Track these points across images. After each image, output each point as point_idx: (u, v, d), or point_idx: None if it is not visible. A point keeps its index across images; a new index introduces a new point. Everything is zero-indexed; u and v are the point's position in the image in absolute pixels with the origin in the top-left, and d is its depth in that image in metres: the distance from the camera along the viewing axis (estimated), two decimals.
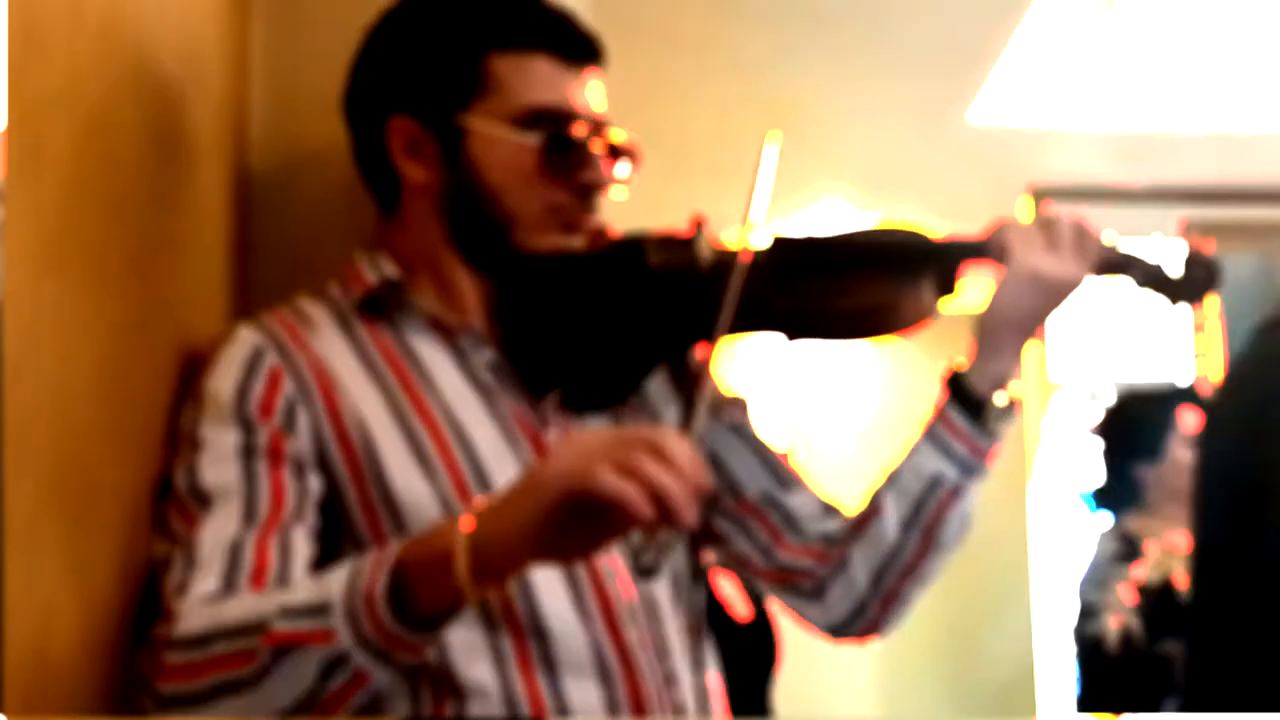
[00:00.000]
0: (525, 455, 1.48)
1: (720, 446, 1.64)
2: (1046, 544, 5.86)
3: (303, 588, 1.28)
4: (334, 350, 1.49)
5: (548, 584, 1.44)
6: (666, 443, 1.16)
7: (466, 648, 1.40)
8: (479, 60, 1.52)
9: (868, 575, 1.58)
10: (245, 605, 1.30)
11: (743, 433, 1.66)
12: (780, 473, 1.66)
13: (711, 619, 1.64)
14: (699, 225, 1.56)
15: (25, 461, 1.16)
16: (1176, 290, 1.62)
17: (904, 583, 1.59)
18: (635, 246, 1.54)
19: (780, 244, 1.57)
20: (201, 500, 1.39)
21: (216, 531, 1.37)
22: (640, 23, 4.10)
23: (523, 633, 1.41)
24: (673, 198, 5.11)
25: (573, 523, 1.16)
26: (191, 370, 1.53)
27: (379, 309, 1.54)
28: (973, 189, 5.77)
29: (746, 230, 1.44)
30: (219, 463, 1.41)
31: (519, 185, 1.51)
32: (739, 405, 1.68)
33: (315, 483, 1.43)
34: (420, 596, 1.21)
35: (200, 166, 1.67)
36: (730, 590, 3.54)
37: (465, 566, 1.18)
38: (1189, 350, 5.94)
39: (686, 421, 1.29)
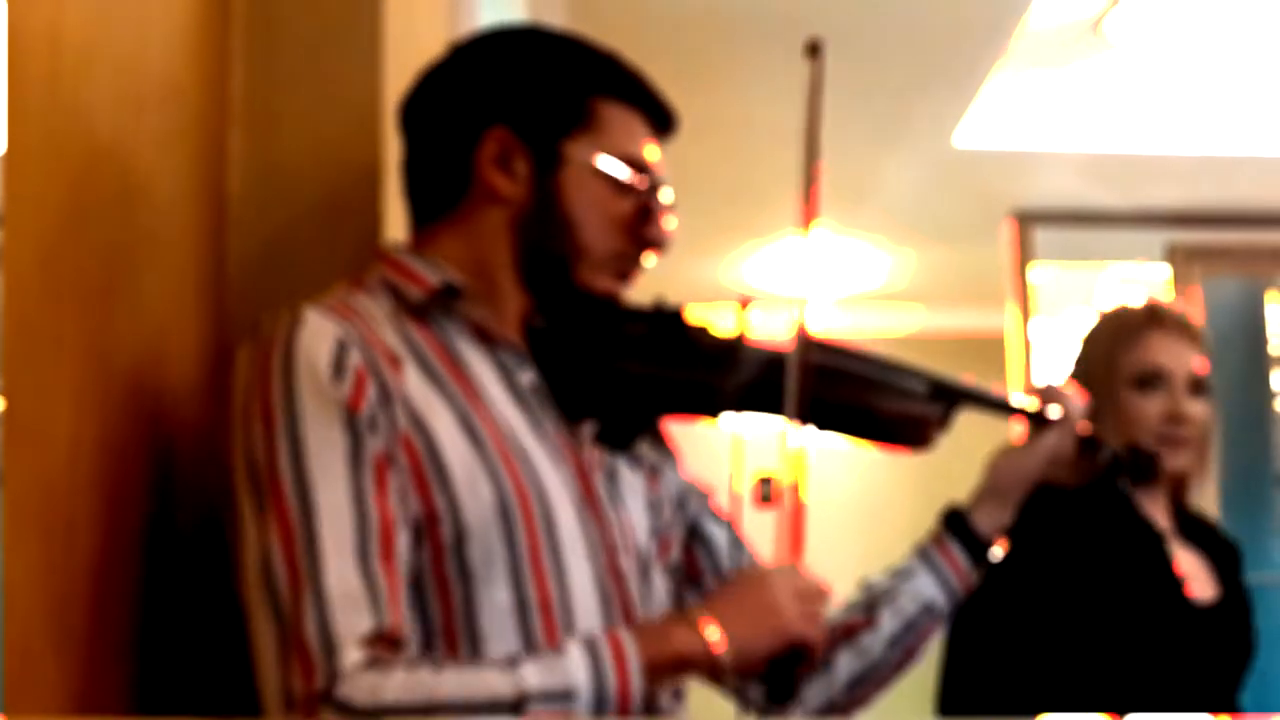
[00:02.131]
0: (569, 475, 1.51)
1: (707, 529, 1.71)
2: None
3: (533, 672, 1.34)
4: (398, 352, 1.47)
5: (584, 600, 1.47)
6: (824, 592, 1.47)
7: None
8: (589, 98, 1.58)
9: (848, 679, 1.70)
10: (464, 683, 1.33)
11: (720, 520, 1.73)
12: (752, 558, 1.73)
13: None
14: (744, 305, 1.64)
15: (24, 480, 1.17)
16: (1124, 472, 1.88)
17: (873, 691, 1.72)
18: (677, 315, 1.61)
19: (825, 345, 1.65)
20: (305, 507, 1.36)
21: (340, 569, 1.35)
22: (619, 45, 4.09)
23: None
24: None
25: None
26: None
27: (427, 311, 1.53)
28: (957, 212, 5.79)
29: (799, 324, 1.57)
30: (328, 472, 1.37)
31: (598, 222, 1.56)
32: (707, 492, 1.75)
33: (410, 523, 1.42)
34: (656, 684, 1.39)
35: (178, 209, 1.66)
36: None
37: (724, 668, 1.41)
38: None
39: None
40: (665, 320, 1.60)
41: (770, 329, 1.62)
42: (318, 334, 1.41)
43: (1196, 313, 5.86)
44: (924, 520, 1.82)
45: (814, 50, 1.59)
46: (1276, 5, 4.30)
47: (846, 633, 1.70)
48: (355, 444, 1.38)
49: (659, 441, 1.69)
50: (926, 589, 1.70)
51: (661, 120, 1.64)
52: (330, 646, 1.31)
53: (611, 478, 1.57)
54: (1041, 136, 5.20)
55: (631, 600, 1.51)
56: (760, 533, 1.58)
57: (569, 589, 1.45)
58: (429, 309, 1.52)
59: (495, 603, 1.41)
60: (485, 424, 1.46)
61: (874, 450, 1.70)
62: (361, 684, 1.30)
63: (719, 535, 1.71)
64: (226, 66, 1.85)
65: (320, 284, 1.80)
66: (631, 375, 1.57)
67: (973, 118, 4.92)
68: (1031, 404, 1.74)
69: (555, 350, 1.56)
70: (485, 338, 1.54)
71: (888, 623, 1.70)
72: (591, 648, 1.35)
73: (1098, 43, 4.51)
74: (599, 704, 1.32)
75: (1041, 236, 5.89)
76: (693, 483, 1.73)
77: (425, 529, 1.41)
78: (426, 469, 1.41)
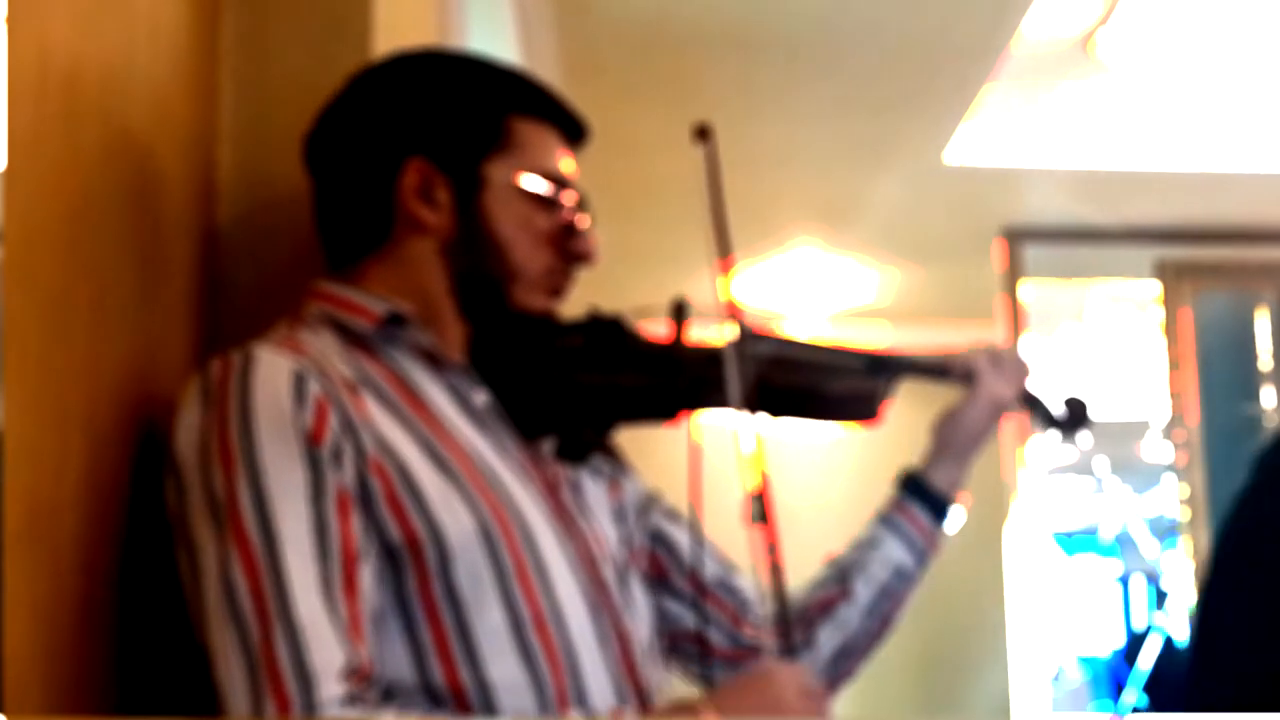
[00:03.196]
0: (537, 491, 1.51)
1: (667, 532, 1.73)
2: (1021, 584, 5.85)
3: None
4: (353, 383, 1.45)
5: (575, 612, 1.45)
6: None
7: (508, 688, 1.40)
8: (502, 118, 1.57)
9: (831, 654, 1.73)
10: None
11: (679, 520, 1.74)
12: (724, 559, 1.76)
13: None
14: (680, 309, 1.62)
15: (24, 489, 1.17)
16: (1054, 424, 1.85)
17: (856, 662, 1.75)
18: (615, 324, 1.61)
19: (763, 335, 1.67)
20: (267, 536, 1.33)
21: (309, 604, 1.32)
22: (606, 65, 4.11)
23: (560, 670, 1.42)
24: (632, 241, 5.15)
25: None
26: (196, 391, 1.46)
27: (374, 343, 1.51)
28: (947, 229, 5.80)
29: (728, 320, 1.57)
30: (287, 504, 1.35)
31: (526, 242, 1.56)
32: (659, 496, 1.77)
33: (372, 557, 1.40)
34: None
35: (168, 220, 1.66)
36: None
37: None
38: (1163, 390, 5.95)
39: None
40: (605, 329, 1.60)
41: (706, 333, 1.61)
42: (273, 368, 1.40)
43: (1186, 329, 5.87)
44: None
45: (703, 134, 1.56)
46: (1265, 23, 4.31)
47: (823, 607, 1.74)
48: (316, 477, 1.36)
49: (609, 453, 1.69)
50: (895, 553, 1.74)
51: (573, 131, 1.64)
52: (306, 679, 1.29)
53: (576, 491, 1.58)
54: (1032, 153, 5.21)
55: (617, 608, 1.51)
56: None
57: (559, 602, 1.44)
58: (375, 340, 1.51)
59: (489, 624, 1.39)
60: (450, 449, 1.45)
61: (829, 429, 1.73)
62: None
63: (679, 536, 1.72)
64: (214, 77, 1.85)
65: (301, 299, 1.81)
66: (583, 387, 1.58)
67: (963, 135, 4.93)
68: (965, 365, 1.78)
69: (503, 372, 1.55)
70: (434, 362, 1.52)
71: (862, 592, 1.73)
72: None
73: (1087, 61, 4.52)
74: None
75: (1031, 253, 5.90)
76: (646, 489, 1.75)
77: (408, 554, 1.39)
78: (401, 494, 1.39)
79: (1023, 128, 5.04)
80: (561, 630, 1.43)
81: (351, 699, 1.29)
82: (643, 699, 1.48)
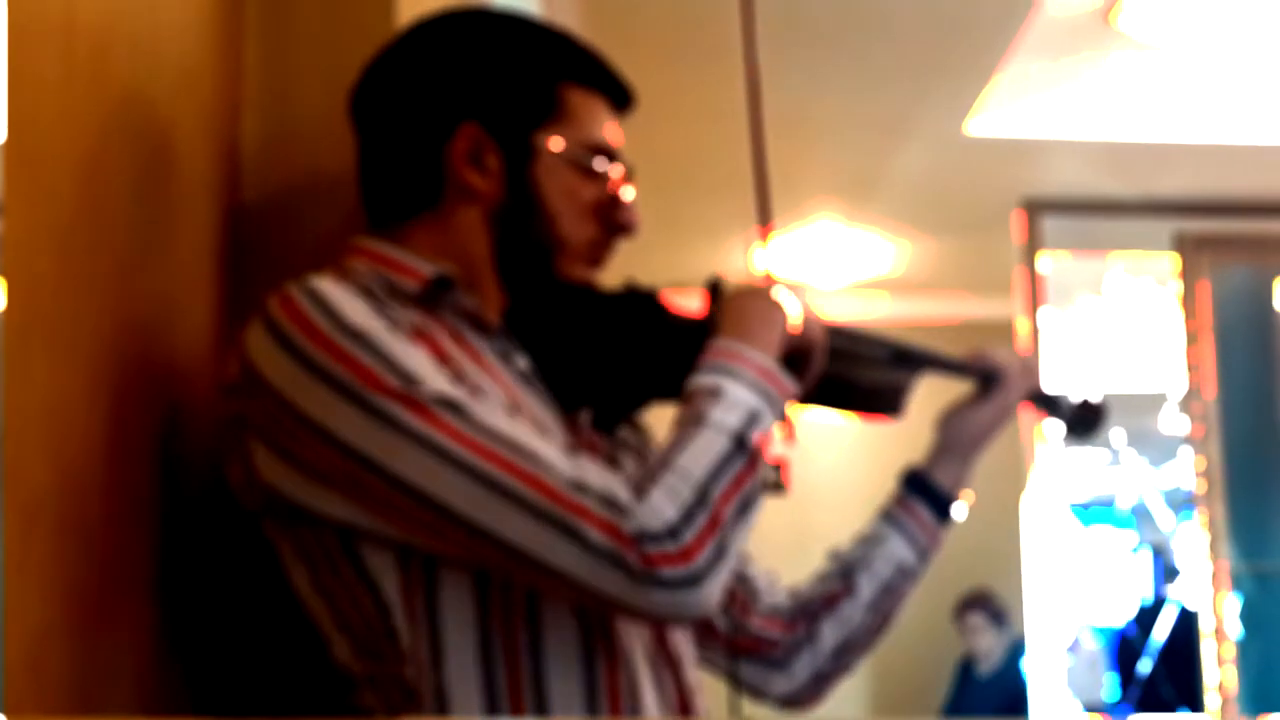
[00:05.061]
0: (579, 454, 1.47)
1: None
2: (1038, 554, 5.86)
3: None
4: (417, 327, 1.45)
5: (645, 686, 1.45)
6: None
7: (557, 654, 1.40)
8: (554, 86, 1.57)
9: (833, 649, 1.75)
10: (690, 455, 1.36)
11: None
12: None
13: None
14: (715, 285, 1.61)
15: (20, 480, 1.16)
16: (1068, 425, 1.83)
17: (857, 656, 1.77)
18: (652, 298, 1.60)
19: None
20: (449, 403, 1.33)
21: (514, 431, 1.34)
22: (632, 36, 4.11)
23: (609, 639, 1.43)
24: (663, 210, 5.14)
25: None
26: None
27: (423, 305, 1.49)
28: (967, 201, 5.79)
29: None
30: (423, 367, 1.35)
31: (574, 212, 1.55)
32: None
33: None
34: None
35: (192, 191, 1.67)
36: None
37: None
38: (1181, 363, 5.94)
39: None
40: (641, 303, 1.60)
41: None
42: (342, 290, 1.40)
43: (1204, 302, 5.87)
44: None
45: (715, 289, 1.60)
46: None
47: (827, 602, 1.75)
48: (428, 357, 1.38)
49: (636, 426, 1.70)
50: (898, 550, 1.75)
51: (621, 99, 1.63)
52: (602, 496, 1.31)
53: (611, 462, 1.56)
54: (1051, 125, 5.20)
55: (680, 666, 1.53)
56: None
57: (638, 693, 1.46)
58: (426, 304, 1.49)
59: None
60: (513, 401, 1.44)
61: (854, 420, 1.74)
62: (648, 509, 1.31)
63: None
64: (240, 47, 1.85)
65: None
66: (621, 360, 1.58)
67: (983, 106, 4.92)
68: (985, 364, 1.77)
69: (541, 341, 1.55)
70: (477, 326, 1.52)
71: (865, 588, 1.74)
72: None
73: (1108, 32, 4.51)
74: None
75: (1050, 225, 5.89)
76: None
77: None
78: None
79: (1043, 99, 5.02)
80: (631, 690, 1.44)
81: (636, 492, 1.33)
82: (675, 671, 1.50)
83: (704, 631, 1.68)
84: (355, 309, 1.37)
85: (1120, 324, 7.01)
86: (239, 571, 1.61)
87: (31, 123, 1.19)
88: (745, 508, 1.36)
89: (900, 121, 4.95)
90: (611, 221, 1.58)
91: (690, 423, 1.39)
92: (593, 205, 1.57)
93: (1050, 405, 1.82)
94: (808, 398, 1.62)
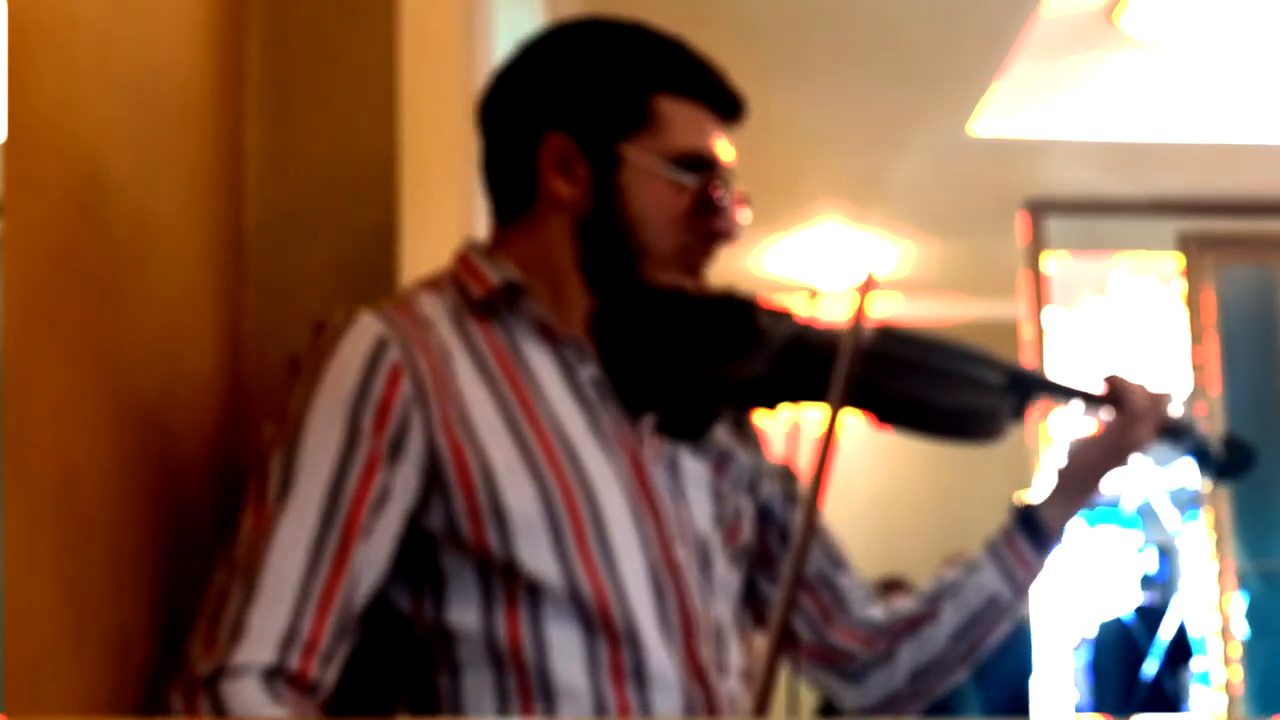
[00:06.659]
0: (623, 469, 1.53)
1: (784, 515, 1.71)
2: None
3: None
4: (450, 348, 1.51)
5: (638, 590, 1.48)
6: None
7: (563, 649, 1.45)
8: (646, 97, 1.57)
9: (909, 671, 1.71)
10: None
11: (796, 503, 1.71)
12: (834, 553, 1.75)
13: None
14: (812, 296, 1.62)
15: (24, 480, 1.16)
16: (1214, 467, 1.76)
17: (937, 684, 1.73)
18: (746, 305, 1.59)
19: (889, 332, 1.62)
20: (283, 488, 1.41)
21: (282, 561, 1.38)
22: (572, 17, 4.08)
23: (618, 641, 1.46)
24: None
25: None
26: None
27: (491, 310, 1.55)
28: (971, 201, 5.79)
29: (860, 307, 1.44)
30: (314, 462, 1.42)
31: (660, 221, 1.56)
32: (794, 476, 1.74)
33: (396, 518, 1.45)
34: None
35: (194, 192, 1.67)
36: None
37: None
38: (1186, 362, 5.94)
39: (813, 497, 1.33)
40: (722, 312, 1.59)
41: (837, 318, 1.57)
42: (360, 334, 1.46)
43: (1209, 301, 5.87)
44: (932, 501, 1.82)
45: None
46: None
47: (910, 624, 1.71)
48: (351, 444, 1.43)
49: (742, 425, 1.70)
50: (991, 582, 1.71)
51: (727, 107, 1.62)
52: (238, 634, 1.34)
53: (673, 468, 1.57)
54: (1055, 126, 5.20)
55: (687, 590, 1.52)
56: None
57: (621, 579, 1.47)
58: (494, 307, 1.55)
59: (552, 590, 1.44)
60: (532, 421, 1.49)
61: (935, 443, 1.65)
62: (241, 689, 1.32)
63: (791, 519, 1.70)
64: (242, 58, 1.85)
65: (337, 275, 1.81)
66: (689, 368, 1.57)
67: (987, 107, 4.93)
68: (1109, 394, 1.70)
69: (615, 346, 1.56)
70: (549, 334, 1.55)
71: (950, 616, 1.71)
72: None
73: (1112, 32, 4.51)
74: None
75: (1055, 225, 5.89)
76: (775, 465, 1.73)
77: (469, 521, 1.44)
78: (470, 464, 1.45)
79: (1046, 100, 5.03)
80: (621, 605, 1.47)
81: (269, 680, 1.34)
82: (703, 681, 1.50)
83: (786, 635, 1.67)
84: (333, 379, 1.45)
85: (1125, 324, 7.02)
86: None
87: (31, 123, 1.19)
88: None
89: (904, 123, 4.95)
90: (706, 229, 1.58)
91: None
92: (683, 213, 1.57)
93: (1180, 440, 1.74)
94: (887, 416, 1.60)
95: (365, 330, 1.47)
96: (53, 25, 1.25)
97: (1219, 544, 5.65)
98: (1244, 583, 5.68)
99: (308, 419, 1.43)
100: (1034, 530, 1.71)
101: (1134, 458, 1.70)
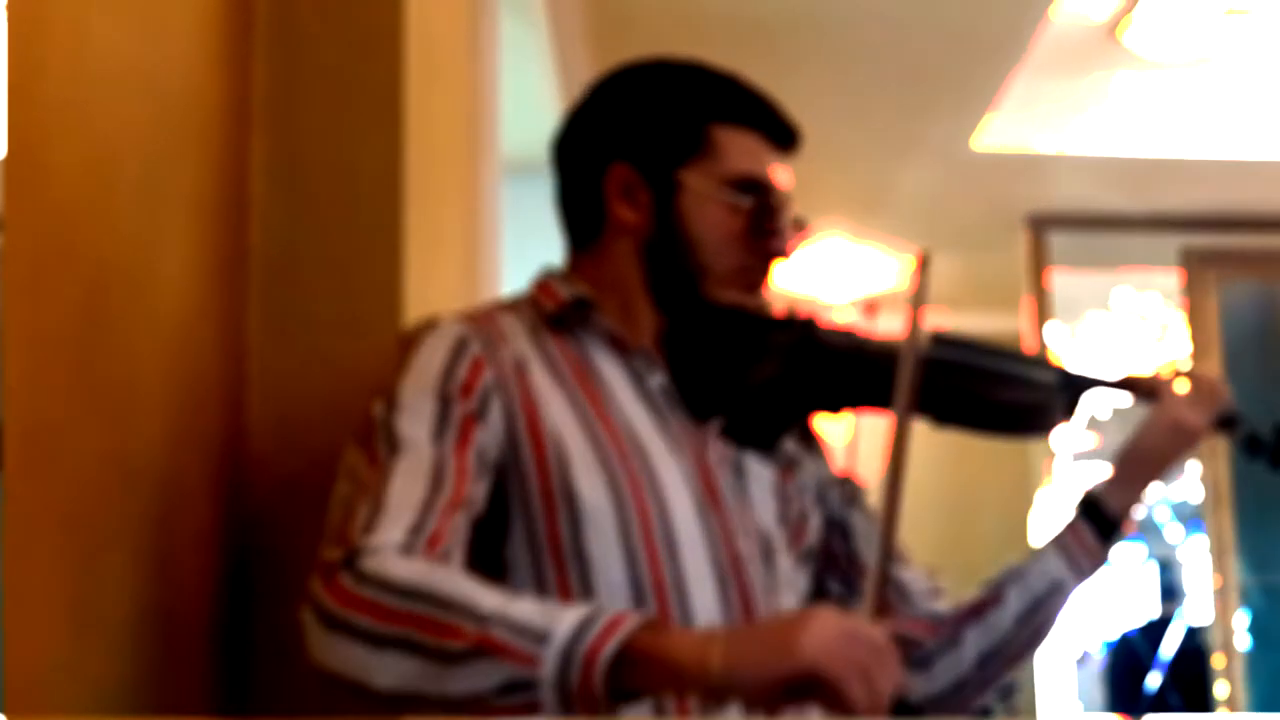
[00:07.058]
0: (688, 467, 1.62)
1: (847, 517, 1.80)
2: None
3: (527, 606, 1.33)
4: (527, 353, 1.62)
5: (699, 581, 1.57)
6: (890, 650, 1.30)
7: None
8: (703, 126, 1.69)
9: (976, 656, 1.76)
10: (462, 587, 1.35)
11: (865, 508, 1.82)
12: (898, 551, 1.80)
13: None
14: (873, 310, 1.68)
15: (26, 484, 1.17)
16: (1266, 454, 1.78)
17: (1004, 669, 1.78)
18: (809, 322, 1.68)
19: (943, 337, 1.70)
20: (392, 446, 1.50)
21: (403, 486, 1.46)
22: (639, 46, 4.09)
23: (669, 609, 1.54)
24: None
25: (796, 682, 1.27)
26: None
27: (565, 324, 1.67)
28: (973, 217, 5.80)
29: (914, 322, 1.55)
30: (416, 422, 1.52)
31: (718, 241, 1.67)
32: (858, 483, 1.84)
33: (487, 483, 1.54)
34: (635, 677, 1.28)
35: (197, 199, 1.68)
36: None
37: (719, 677, 1.28)
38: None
39: (889, 509, 1.41)
40: (781, 328, 1.67)
41: (891, 329, 1.69)
42: (443, 335, 1.59)
43: (1211, 317, 5.87)
44: (933, 513, 1.85)
45: (923, 262, 1.59)
46: None
47: (975, 610, 1.77)
48: (444, 412, 1.52)
49: (807, 436, 1.78)
50: (1054, 568, 1.75)
51: (780, 136, 1.73)
52: (370, 528, 1.41)
53: (738, 471, 1.66)
54: (1059, 141, 5.21)
55: (749, 584, 1.60)
56: None
57: (683, 571, 1.56)
58: (568, 323, 1.67)
59: (611, 582, 1.53)
60: (601, 420, 1.60)
61: (992, 439, 1.75)
62: (380, 557, 1.38)
63: (861, 526, 1.79)
64: (248, 72, 1.86)
65: (342, 286, 1.82)
66: (751, 382, 1.65)
67: (989, 122, 4.93)
68: (1149, 384, 1.76)
69: (682, 361, 1.66)
70: (619, 346, 1.67)
71: (1014, 600, 1.75)
72: (594, 611, 1.31)
73: (1116, 48, 4.52)
74: (564, 662, 1.27)
75: (1057, 241, 5.89)
76: (842, 476, 1.81)
77: (543, 508, 1.55)
78: (548, 454, 1.56)
79: (1050, 115, 5.04)
80: (681, 598, 1.55)
81: (406, 550, 1.40)
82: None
83: None
84: (421, 368, 1.56)
85: (1127, 339, 7.02)
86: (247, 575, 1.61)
87: (32, 137, 1.20)
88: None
89: (907, 138, 4.96)
90: (762, 248, 1.69)
91: (534, 606, 1.36)
92: (739, 233, 1.67)
93: (1234, 428, 1.77)
94: (949, 418, 1.67)
95: (448, 329, 1.60)
96: (57, 39, 1.27)
97: (1221, 558, 5.65)
98: (1246, 597, 5.68)
99: (403, 396, 1.53)
100: (1097, 518, 1.75)
101: (1194, 445, 1.74)
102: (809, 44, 4.23)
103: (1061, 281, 6.03)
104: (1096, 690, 7.13)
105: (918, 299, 1.53)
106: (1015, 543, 5.85)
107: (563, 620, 1.29)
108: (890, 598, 1.76)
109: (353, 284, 1.83)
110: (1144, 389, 1.76)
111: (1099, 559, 1.76)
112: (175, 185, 1.59)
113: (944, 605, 1.79)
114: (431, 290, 2.00)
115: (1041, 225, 5.89)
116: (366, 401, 1.55)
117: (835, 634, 1.28)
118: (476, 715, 1.32)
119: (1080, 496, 1.78)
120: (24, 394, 1.16)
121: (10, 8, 1.14)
